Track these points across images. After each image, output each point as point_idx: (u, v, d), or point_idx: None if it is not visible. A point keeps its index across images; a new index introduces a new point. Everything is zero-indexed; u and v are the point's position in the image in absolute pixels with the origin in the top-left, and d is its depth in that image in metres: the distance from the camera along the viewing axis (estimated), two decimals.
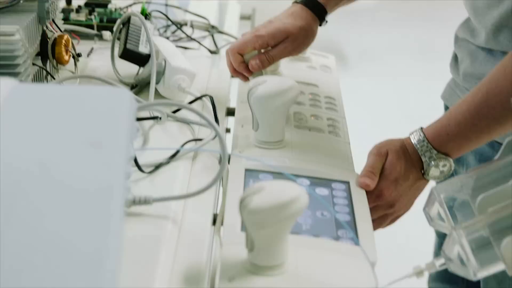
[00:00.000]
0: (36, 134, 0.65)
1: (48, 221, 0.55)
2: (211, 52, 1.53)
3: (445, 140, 1.07)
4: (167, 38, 1.54)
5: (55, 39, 1.21)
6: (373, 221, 1.07)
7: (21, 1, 1.16)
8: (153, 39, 1.28)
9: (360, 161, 1.09)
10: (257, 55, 1.22)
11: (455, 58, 1.33)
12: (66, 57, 1.24)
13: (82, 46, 1.45)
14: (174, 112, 1.18)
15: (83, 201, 0.58)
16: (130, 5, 1.64)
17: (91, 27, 1.52)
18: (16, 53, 1.07)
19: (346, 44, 4.64)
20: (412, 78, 4.05)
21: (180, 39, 1.56)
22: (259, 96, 1.07)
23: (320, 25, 1.27)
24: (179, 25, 1.59)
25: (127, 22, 1.32)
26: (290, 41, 1.22)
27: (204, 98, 1.23)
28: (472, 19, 1.25)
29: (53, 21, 1.24)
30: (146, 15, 1.37)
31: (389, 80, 4.07)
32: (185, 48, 1.52)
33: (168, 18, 1.58)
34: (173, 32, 1.58)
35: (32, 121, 0.67)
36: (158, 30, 1.58)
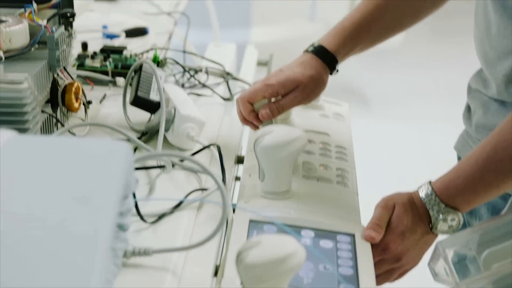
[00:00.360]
0: (27, 187, 0.65)
1: (27, 277, 0.55)
2: (225, 99, 1.53)
3: (453, 194, 1.05)
4: (183, 84, 1.55)
5: (65, 86, 1.22)
6: (380, 275, 1.05)
7: (32, 49, 1.18)
8: (164, 87, 1.28)
9: (372, 208, 1.08)
10: (267, 104, 1.22)
11: (468, 108, 1.32)
12: (76, 105, 1.24)
13: (96, 92, 1.45)
14: (182, 160, 1.18)
15: (65, 256, 0.57)
16: (147, 51, 1.65)
17: (106, 73, 1.53)
18: (24, 101, 1.08)
19: (368, 85, 4.64)
20: (434, 122, 4.02)
21: (195, 85, 1.56)
22: (265, 146, 1.06)
23: (331, 74, 1.27)
24: (194, 71, 1.59)
25: (139, 69, 1.33)
26: (300, 90, 1.22)
27: (212, 147, 1.23)
28: (484, 69, 1.24)
29: (65, 68, 1.25)
30: (158, 62, 1.37)
31: (410, 123, 4.05)
32: (199, 95, 1.52)
33: (181, 66, 1.58)
34: (189, 79, 1.58)
35: (25, 174, 0.67)
36: (174, 76, 1.58)
